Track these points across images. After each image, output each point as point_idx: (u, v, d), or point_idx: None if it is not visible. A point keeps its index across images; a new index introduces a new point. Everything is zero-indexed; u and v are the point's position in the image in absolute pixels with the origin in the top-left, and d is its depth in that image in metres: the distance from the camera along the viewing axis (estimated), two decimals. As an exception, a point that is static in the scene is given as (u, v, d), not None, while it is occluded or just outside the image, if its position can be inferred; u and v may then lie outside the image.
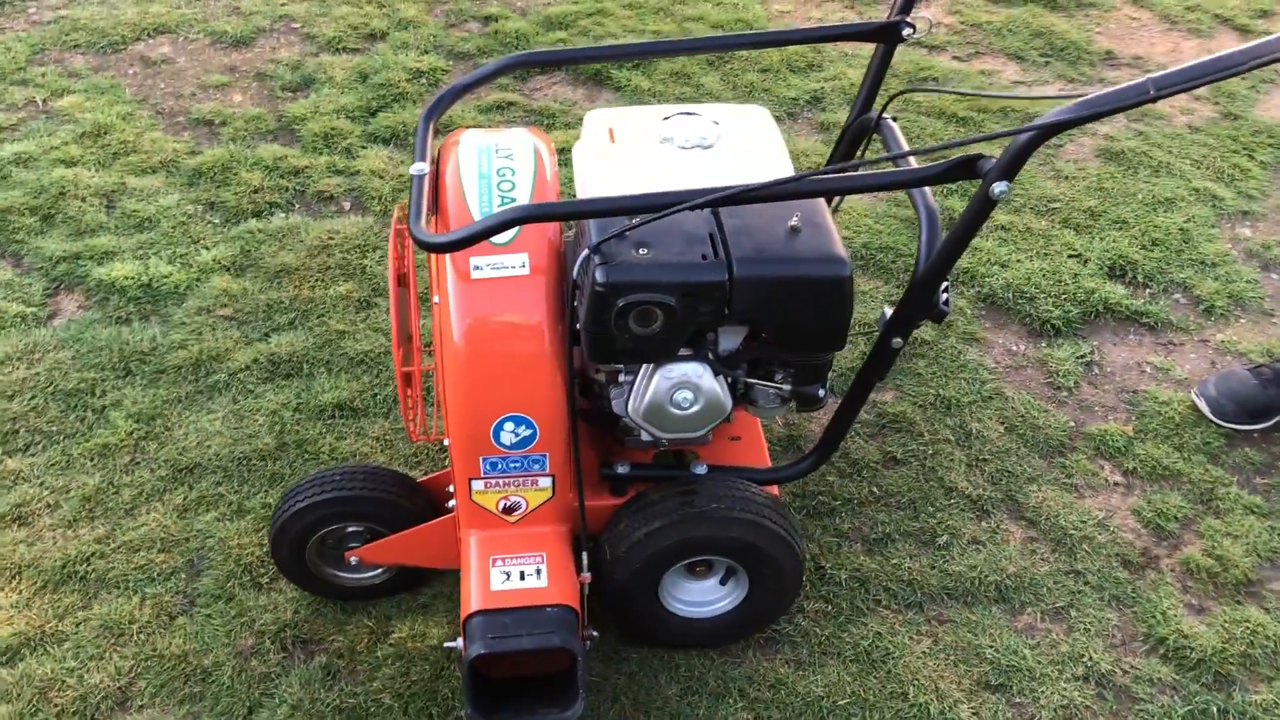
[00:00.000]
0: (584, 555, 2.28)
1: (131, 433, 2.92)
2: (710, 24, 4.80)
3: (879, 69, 2.45)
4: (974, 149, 1.92)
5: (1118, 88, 1.75)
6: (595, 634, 2.28)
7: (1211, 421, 3.05)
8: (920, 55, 4.66)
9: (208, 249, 3.52)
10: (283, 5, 4.90)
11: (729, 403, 2.15)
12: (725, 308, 1.99)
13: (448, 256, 2.09)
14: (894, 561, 2.69)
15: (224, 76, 4.41)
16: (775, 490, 2.43)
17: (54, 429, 2.94)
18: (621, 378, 2.17)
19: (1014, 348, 3.30)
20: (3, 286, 3.37)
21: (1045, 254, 3.59)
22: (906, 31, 2.35)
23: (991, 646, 2.51)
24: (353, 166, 3.92)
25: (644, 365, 2.12)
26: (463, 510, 2.27)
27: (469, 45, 4.65)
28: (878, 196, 3.84)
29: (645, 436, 2.24)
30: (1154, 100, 1.73)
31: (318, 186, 3.81)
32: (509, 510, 2.26)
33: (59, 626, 2.50)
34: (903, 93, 2.47)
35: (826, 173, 1.91)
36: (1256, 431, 3.04)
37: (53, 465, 2.85)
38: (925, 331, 3.30)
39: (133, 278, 3.38)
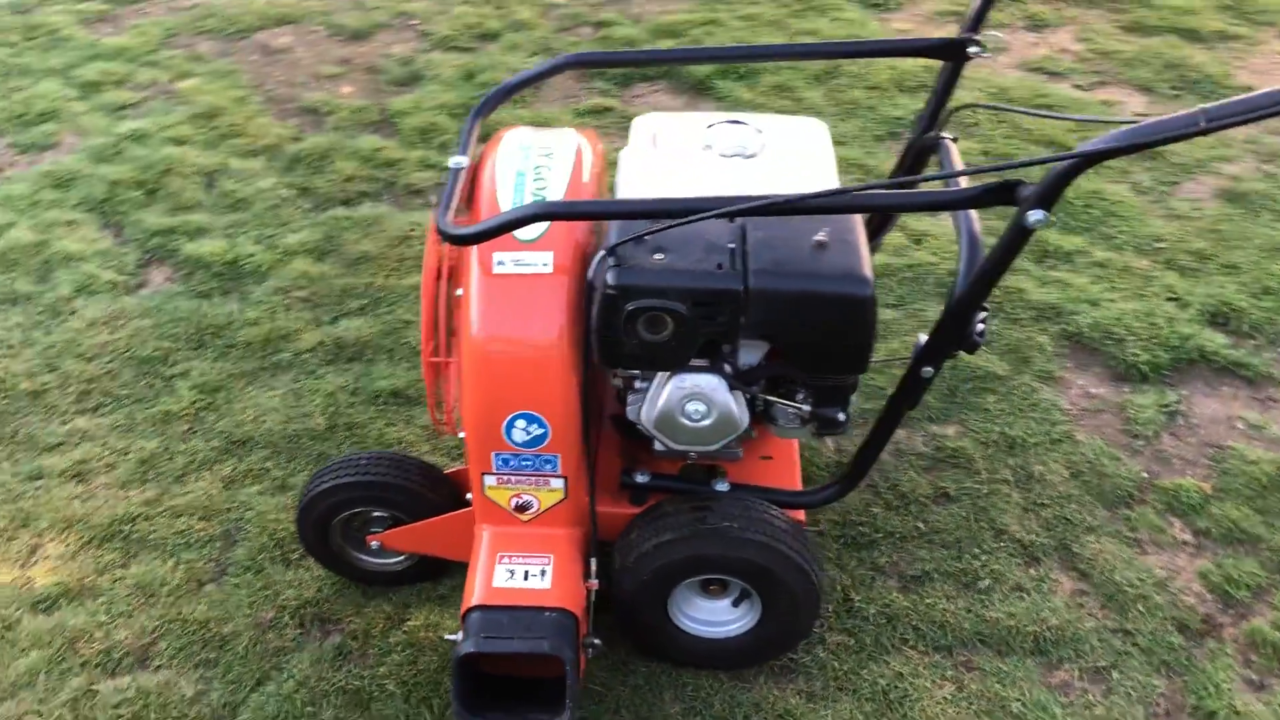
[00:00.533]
0: (593, 561, 2.26)
1: (194, 403, 3.02)
2: (821, 38, 4.71)
3: (945, 86, 2.35)
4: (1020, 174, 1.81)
5: (1167, 117, 1.62)
6: (597, 642, 2.24)
7: (1302, 486, 2.83)
8: (1038, 81, 4.49)
9: (294, 232, 3.63)
10: (404, 2, 5.03)
11: (744, 419, 2.08)
12: (739, 319, 1.94)
13: (474, 249, 2.09)
14: (928, 601, 2.57)
15: (337, 68, 4.55)
16: (801, 515, 2.35)
17: (124, 393, 3.06)
18: (638, 384, 2.13)
19: (1094, 390, 3.13)
20: (100, 255, 3.53)
21: (1142, 295, 3.39)
22: (973, 50, 2.25)
23: (1019, 700, 2.37)
24: (445, 162, 3.97)
25: (659, 373, 2.07)
26: (477, 504, 2.26)
27: (578, 49, 4.68)
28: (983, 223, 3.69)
29: (658, 446, 2.19)
30: (1204, 132, 1.60)
31: (408, 179, 3.88)
32: (521, 509, 2.24)
33: (97, 581, 2.60)
34: (960, 109, 2.36)
35: (854, 189, 1.84)
36: (1353, 502, 2.81)
37: (117, 427, 2.96)
38: (999, 366, 3.16)
39: (219, 255, 3.51)
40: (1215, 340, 3.24)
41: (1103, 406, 3.08)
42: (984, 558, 2.67)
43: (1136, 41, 4.75)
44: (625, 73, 4.49)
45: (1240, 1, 5.01)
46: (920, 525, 2.75)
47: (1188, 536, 2.74)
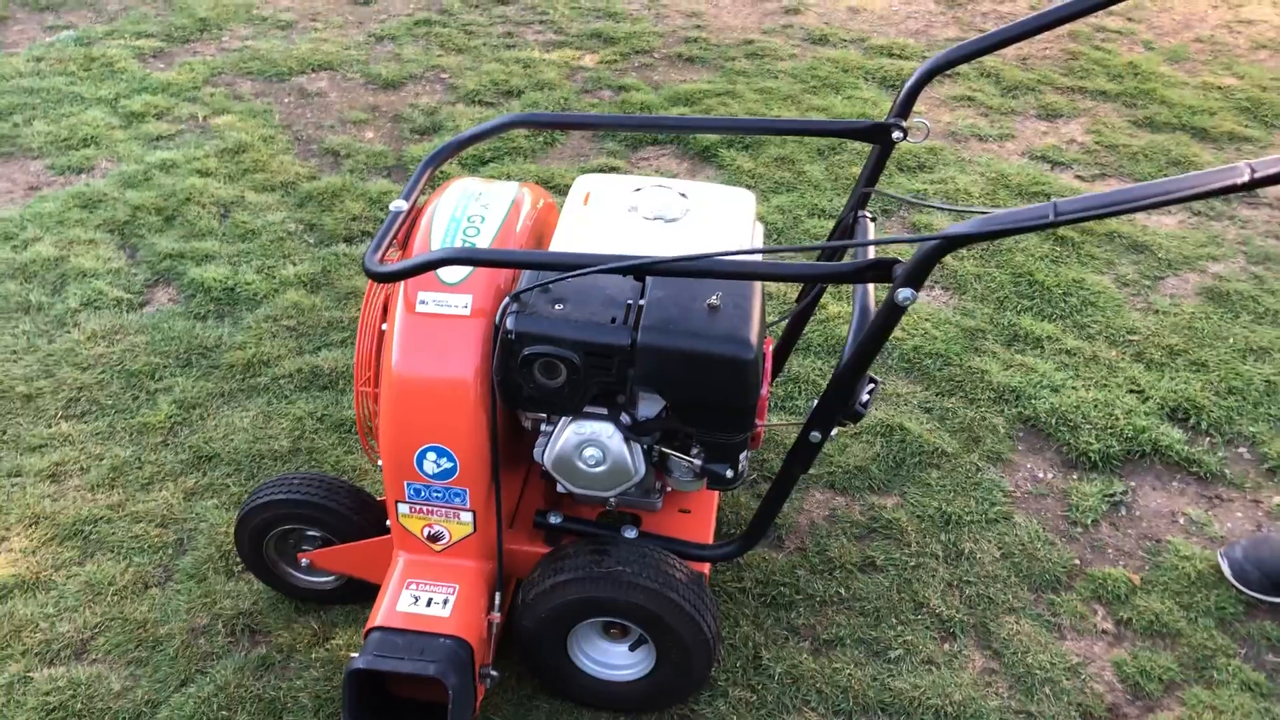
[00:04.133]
0: (497, 595, 2.36)
1: (170, 417, 3.19)
2: (834, 114, 4.84)
3: (874, 167, 2.44)
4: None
5: (1022, 208, 1.71)
6: (494, 673, 2.33)
7: (1231, 585, 2.83)
8: (1041, 170, 4.56)
9: (294, 264, 3.82)
10: (439, 56, 5.27)
11: (639, 468, 2.18)
12: (628, 372, 2.04)
13: (401, 287, 2.23)
14: (836, 665, 2.62)
15: (364, 114, 4.78)
16: (705, 568, 2.42)
17: (109, 403, 3.25)
18: (544, 427, 2.24)
19: (1040, 475, 3.16)
20: (113, 273, 3.76)
21: (1104, 385, 3.43)
22: (896, 135, 2.35)
23: (906, 770, 2.41)
24: (449, 208, 4.16)
25: (561, 418, 2.18)
26: (394, 531, 2.38)
27: (594, 110, 4.86)
28: (945, 303, 3.77)
29: (559, 488, 2.30)
30: (1055, 225, 1.68)
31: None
32: (434, 539, 2.36)
33: (52, 576, 2.76)
34: (869, 194, 2.46)
35: (737, 254, 1.93)
36: (1281, 605, 2.80)
37: (97, 434, 3.15)
38: (949, 443, 3.21)
39: (220, 281, 3.70)
40: (1171, 435, 3.25)
41: (1046, 491, 3.11)
42: (900, 628, 2.71)
43: (1145, 137, 4.80)
44: (635, 136, 4.66)
45: (1259, 105, 5.04)
46: (842, 591, 2.80)
47: (1109, 625, 2.76)
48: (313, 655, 2.60)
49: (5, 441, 3.12)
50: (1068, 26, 5.73)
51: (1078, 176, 4.54)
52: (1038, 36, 5.21)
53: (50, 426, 3.17)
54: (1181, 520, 3.04)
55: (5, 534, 2.86)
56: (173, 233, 3.96)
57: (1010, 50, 5.48)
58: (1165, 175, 4.51)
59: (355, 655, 2.26)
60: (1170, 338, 3.64)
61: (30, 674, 2.53)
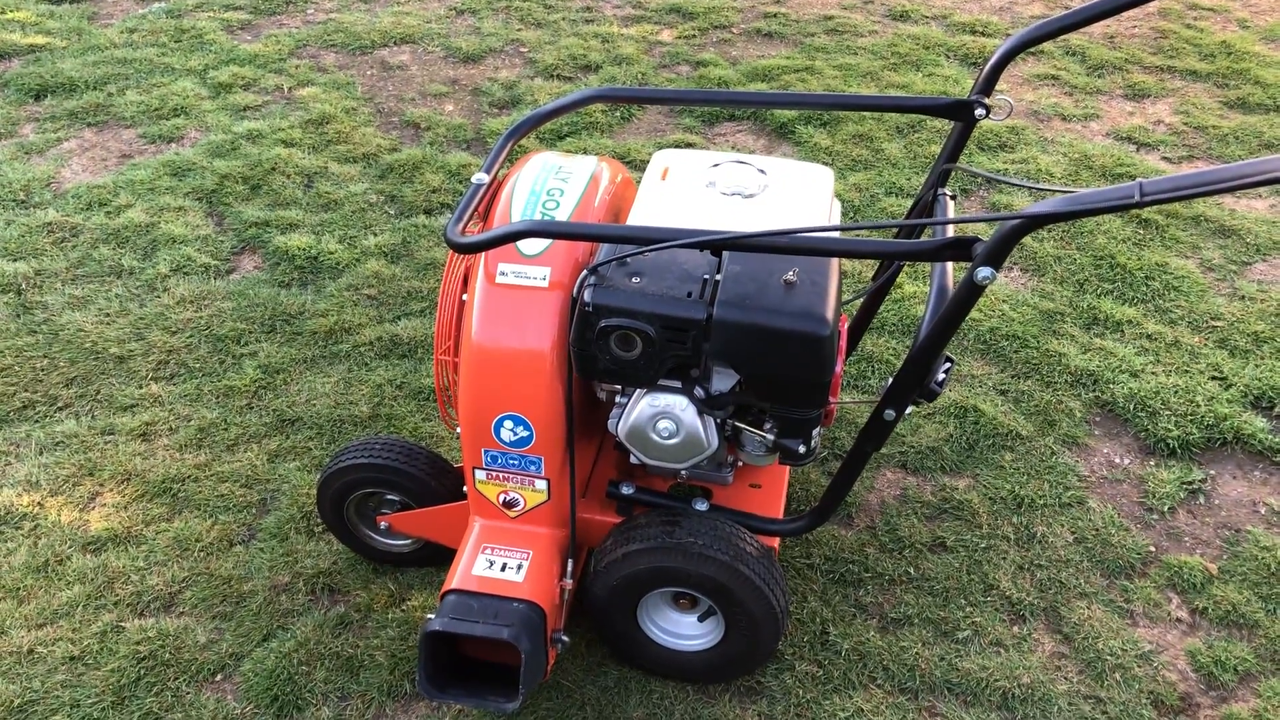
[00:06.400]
0: (569, 562, 2.40)
1: (255, 381, 3.29)
2: (914, 91, 4.79)
3: (955, 145, 2.42)
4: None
5: (1107, 188, 1.70)
6: (565, 639, 2.38)
7: (1313, 578, 2.78)
8: (1126, 151, 4.46)
9: (375, 235, 3.89)
10: (518, 30, 5.30)
11: (712, 441, 2.20)
12: (703, 346, 2.06)
13: (482, 259, 2.27)
14: (904, 644, 2.62)
15: (444, 87, 4.83)
16: (774, 543, 2.44)
17: (197, 366, 3.35)
18: (619, 399, 2.28)
19: (1117, 460, 3.12)
20: (201, 239, 3.86)
21: (1186, 371, 3.36)
22: (978, 112, 2.32)
23: (972, 750, 2.41)
24: (527, 181, 4.20)
25: (636, 389, 2.21)
26: (471, 497, 2.44)
27: (673, 85, 4.86)
28: (1024, 285, 3.72)
29: (633, 459, 2.33)
30: (1140, 205, 1.66)
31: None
32: (509, 505, 2.41)
33: (143, 531, 2.87)
34: (949, 171, 2.44)
35: (811, 230, 1.94)
36: (1366, 600, 2.74)
37: (185, 396, 3.25)
38: (1023, 425, 3.18)
39: (304, 249, 3.79)
40: (1254, 424, 3.19)
41: (1123, 477, 3.07)
42: (968, 609, 2.71)
43: (1237, 118, 4.67)
44: (712, 112, 4.65)
45: (1358, 86, 4.88)
46: (911, 570, 2.80)
47: (1183, 614, 2.73)
48: (389, 615, 2.67)
49: (99, 401, 3.24)
50: (1157, 4, 5.60)
51: (1164, 158, 4.44)
52: (1126, 14, 5.12)
53: (141, 388, 3.28)
54: (1262, 510, 2.98)
55: (99, 490, 2.98)
56: (258, 201, 4.06)
57: (1097, 28, 5.37)
58: (1257, 158, 4.40)
59: (431, 616, 2.32)
60: (1256, 324, 3.55)
61: (122, 624, 2.64)
